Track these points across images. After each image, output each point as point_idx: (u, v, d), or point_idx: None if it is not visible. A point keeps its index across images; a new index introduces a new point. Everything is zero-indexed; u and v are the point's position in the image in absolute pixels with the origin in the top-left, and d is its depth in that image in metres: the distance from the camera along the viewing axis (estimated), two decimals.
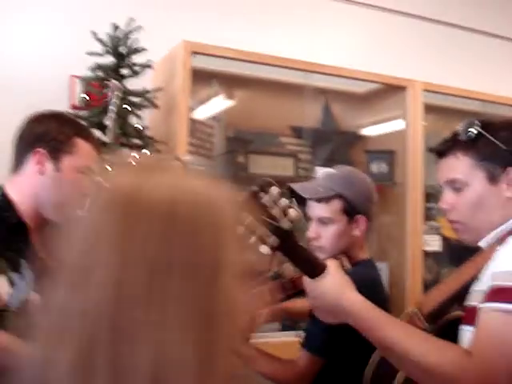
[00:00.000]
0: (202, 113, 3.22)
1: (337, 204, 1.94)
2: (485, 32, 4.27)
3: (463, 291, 1.39)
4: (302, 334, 2.04)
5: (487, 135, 1.39)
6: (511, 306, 1.16)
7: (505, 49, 4.35)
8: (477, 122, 1.42)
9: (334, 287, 1.34)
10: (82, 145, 1.76)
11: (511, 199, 1.38)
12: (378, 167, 3.55)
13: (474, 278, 1.36)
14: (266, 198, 1.26)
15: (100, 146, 2.02)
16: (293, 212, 1.29)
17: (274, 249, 1.29)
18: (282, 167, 3.36)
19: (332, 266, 1.38)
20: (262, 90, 3.40)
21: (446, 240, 3.67)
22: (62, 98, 2.88)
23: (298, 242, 1.35)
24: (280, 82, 3.35)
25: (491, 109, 3.80)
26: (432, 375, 1.20)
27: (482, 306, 1.21)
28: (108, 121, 2.53)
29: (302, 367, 1.86)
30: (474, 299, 1.30)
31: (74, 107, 2.83)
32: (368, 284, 1.93)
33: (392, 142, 3.62)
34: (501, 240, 1.33)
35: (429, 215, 3.62)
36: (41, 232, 1.74)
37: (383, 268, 3.38)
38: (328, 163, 2.97)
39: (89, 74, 2.69)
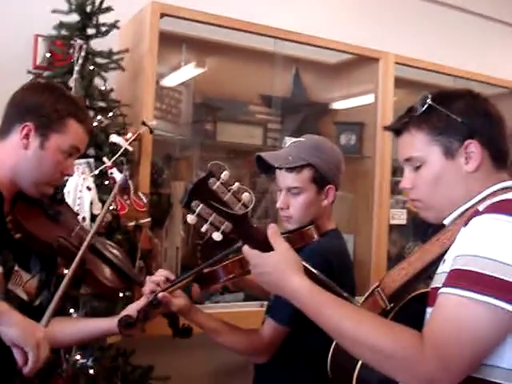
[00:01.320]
0: (171, 80, 3.16)
1: (307, 173, 1.92)
2: (459, 7, 4.25)
3: (426, 271, 1.36)
4: (265, 303, 2.02)
5: (440, 108, 1.33)
6: (470, 294, 1.12)
7: (478, 25, 4.35)
8: (429, 95, 1.35)
9: (279, 267, 1.32)
10: (73, 126, 1.69)
11: (471, 174, 1.32)
12: (347, 139, 3.53)
13: (438, 258, 1.32)
14: (216, 184, 1.23)
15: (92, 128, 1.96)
16: (246, 196, 1.28)
17: (227, 234, 1.28)
18: (251, 136, 3.32)
19: (282, 244, 1.35)
20: (232, 56, 3.33)
21: (410, 214, 3.68)
22: (25, 58, 2.79)
23: (253, 225, 1.33)
24: (250, 49, 3.28)
25: (462, 84, 3.79)
26: (385, 361, 1.18)
27: (441, 290, 1.18)
28: (72, 82, 2.45)
29: (267, 337, 1.84)
30: (438, 281, 1.26)
31: (37, 67, 2.75)
32: (337, 253, 1.93)
33: (361, 114, 3.60)
34: (466, 219, 1.26)
35: (395, 189, 3.61)
36: (13, 204, 1.69)
37: (349, 240, 3.39)
38: (297, 133, 2.92)
39: (53, 32, 2.60)
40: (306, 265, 1.41)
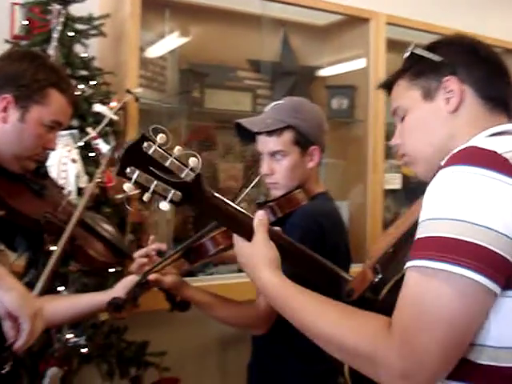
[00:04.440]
0: (155, 48, 3.05)
1: (288, 135, 1.87)
2: None
3: (411, 233, 1.22)
4: None
5: (422, 53, 1.24)
6: (425, 262, 0.97)
7: None
8: (413, 44, 1.28)
9: (252, 260, 1.25)
10: (55, 97, 1.59)
11: (453, 114, 1.18)
12: (339, 103, 3.44)
13: None
14: (153, 148, 1.09)
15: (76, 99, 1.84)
16: (193, 161, 1.14)
17: (177, 204, 1.15)
18: (240, 102, 3.23)
19: (260, 233, 1.26)
20: (218, 20, 3.21)
21: (405, 178, 3.62)
22: (2, 28, 2.67)
23: (212, 194, 1.22)
24: (237, 12, 3.18)
25: None
26: (354, 356, 1.05)
27: (406, 265, 1.03)
28: (51, 50, 2.34)
29: (263, 307, 1.78)
30: None
31: (15, 37, 2.63)
32: (327, 214, 1.89)
33: (353, 77, 3.50)
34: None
35: (389, 153, 3.54)
36: None
37: (343, 207, 3.32)
38: None
39: None
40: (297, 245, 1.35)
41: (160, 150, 1.10)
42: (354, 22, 3.38)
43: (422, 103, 1.23)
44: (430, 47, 1.26)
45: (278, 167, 1.89)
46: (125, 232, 2.32)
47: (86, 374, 2.40)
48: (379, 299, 1.18)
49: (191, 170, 1.13)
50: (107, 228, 1.86)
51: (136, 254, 1.75)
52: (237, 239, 1.30)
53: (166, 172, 1.11)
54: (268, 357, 1.93)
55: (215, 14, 3.18)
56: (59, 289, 2.13)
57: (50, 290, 1.79)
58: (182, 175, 1.13)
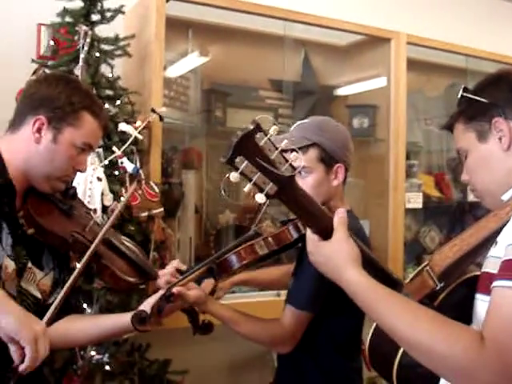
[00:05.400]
0: (178, 67, 3.08)
1: (313, 153, 1.87)
2: None
3: (482, 247, 1.26)
4: (282, 292, 1.96)
5: (470, 95, 1.34)
6: None
7: (490, 3, 4.25)
8: (463, 86, 1.37)
9: (339, 258, 1.24)
10: (88, 120, 1.62)
11: (508, 152, 1.28)
12: (360, 122, 3.46)
13: (495, 233, 1.23)
14: (264, 140, 1.09)
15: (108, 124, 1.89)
16: (294, 156, 1.14)
17: (271, 196, 1.14)
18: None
19: (341, 230, 1.26)
20: (240, 40, 3.25)
21: (426, 197, 3.61)
22: (29, 48, 2.74)
23: (301, 191, 1.21)
24: (259, 33, 3.21)
25: (474, 64, 3.71)
26: (443, 365, 1.08)
27: (494, 283, 1.08)
28: (77, 70, 2.38)
29: (288, 325, 1.79)
30: (489, 266, 1.18)
31: (42, 57, 2.68)
32: (356, 233, 1.87)
33: (374, 97, 3.52)
34: None
35: (409, 172, 3.54)
36: (25, 198, 1.62)
37: (365, 226, 3.30)
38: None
39: (57, 20, 2.52)
40: (362, 246, 1.33)
41: (269, 141, 1.10)
42: (375, 41, 3.41)
43: (479, 145, 1.33)
44: (478, 89, 1.36)
45: (302, 184, 1.89)
46: (148, 250, 2.33)
47: None
48: (434, 306, 1.21)
49: (290, 165, 1.13)
50: (133, 248, 1.87)
51: (161, 273, 1.76)
52: (312, 238, 1.28)
53: (269, 164, 1.10)
54: (292, 374, 1.93)
55: (238, 35, 3.21)
56: (84, 306, 2.15)
57: (75, 307, 1.81)
58: (283, 169, 1.12)
